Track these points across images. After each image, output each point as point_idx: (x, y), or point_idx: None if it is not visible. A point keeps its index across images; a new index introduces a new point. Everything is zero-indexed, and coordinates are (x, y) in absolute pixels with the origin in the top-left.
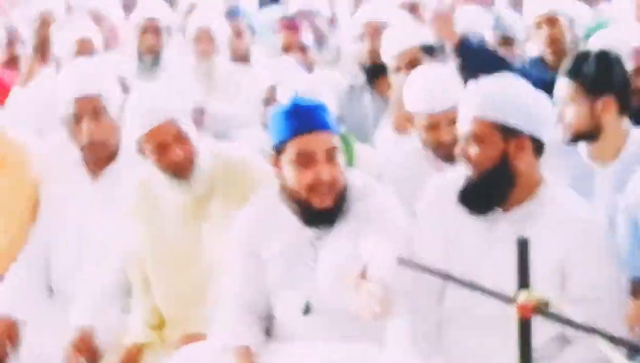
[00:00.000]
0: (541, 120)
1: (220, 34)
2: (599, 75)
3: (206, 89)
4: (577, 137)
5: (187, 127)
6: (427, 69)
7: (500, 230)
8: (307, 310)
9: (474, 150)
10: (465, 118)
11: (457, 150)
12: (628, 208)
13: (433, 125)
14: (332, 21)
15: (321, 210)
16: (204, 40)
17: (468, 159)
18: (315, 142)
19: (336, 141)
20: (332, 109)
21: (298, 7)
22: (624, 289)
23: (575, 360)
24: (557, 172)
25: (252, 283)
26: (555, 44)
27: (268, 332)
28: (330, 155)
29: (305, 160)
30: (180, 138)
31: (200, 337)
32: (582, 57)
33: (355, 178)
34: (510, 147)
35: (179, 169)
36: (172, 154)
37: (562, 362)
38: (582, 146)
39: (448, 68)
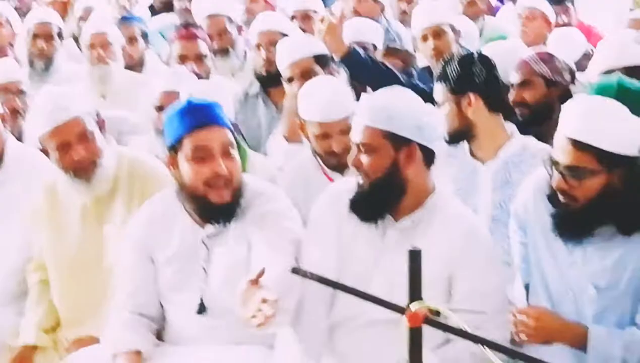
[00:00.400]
0: (430, 130)
1: (116, 40)
2: (460, 74)
3: (100, 95)
4: (453, 137)
5: (92, 126)
6: (321, 79)
7: (390, 238)
8: (201, 309)
9: (365, 159)
10: (358, 128)
11: (349, 159)
12: (517, 216)
13: (325, 134)
14: (240, 28)
15: (219, 205)
16: (99, 46)
17: (359, 167)
18: (210, 136)
19: (231, 137)
20: (228, 115)
21: (208, 12)
22: (507, 297)
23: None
24: (446, 170)
25: (145, 286)
26: (441, 55)
27: (160, 335)
28: (226, 150)
29: (201, 155)
30: (85, 137)
31: (93, 340)
32: (448, 61)
33: (252, 180)
34: (400, 156)
35: (81, 168)
36: (73, 153)
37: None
38: (465, 144)
39: (340, 79)
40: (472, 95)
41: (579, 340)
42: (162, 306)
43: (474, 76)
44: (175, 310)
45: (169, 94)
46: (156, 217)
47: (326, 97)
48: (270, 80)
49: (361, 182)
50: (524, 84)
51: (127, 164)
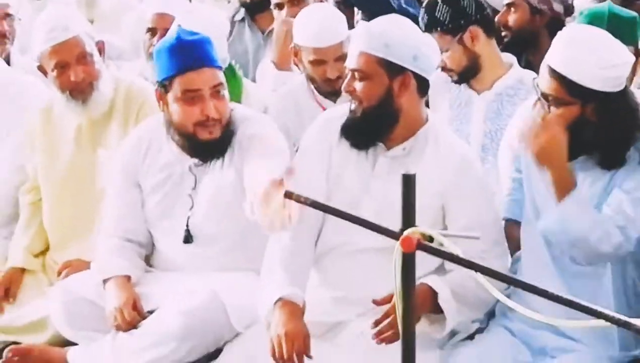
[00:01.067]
0: (426, 60)
1: None
2: (452, 13)
3: (88, 20)
4: (463, 75)
5: (91, 48)
6: (316, 6)
7: (381, 166)
8: (187, 238)
9: (359, 86)
10: (353, 54)
11: (344, 85)
12: (513, 146)
13: (320, 61)
14: None
15: (208, 141)
16: None
17: (353, 93)
18: (201, 79)
19: (221, 76)
20: (220, 43)
21: None
22: (500, 223)
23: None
24: (441, 99)
25: (132, 212)
26: None
27: (149, 261)
28: (216, 91)
29: (191, 96)
30: (83, 58)
31: (83, 264)
32: (432, 6)
33: (240, 109)
34: (394, 84)
35: (78, 89)
36: (71, 73)
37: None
38: None
39: (330, 5)
40: (472, 29)
41: (564, 188)
42: (150, 233)
43: (466, 10)
44: (163, 237)
45: (161, 16)
46: (144, 143)
47: (321, 22)
48: (255, 7)
49: (354, 108)
50: (510, 5)
51: (124, 89)
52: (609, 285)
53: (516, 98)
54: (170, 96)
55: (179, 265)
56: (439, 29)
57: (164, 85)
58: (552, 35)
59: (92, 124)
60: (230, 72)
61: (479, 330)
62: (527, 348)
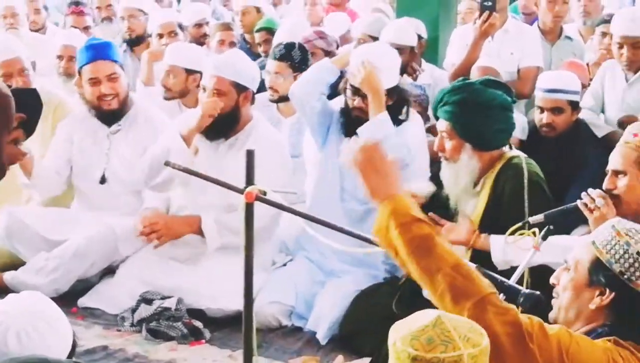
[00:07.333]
0: (257, 80)
1: (22, 11)
2: (302, 58)
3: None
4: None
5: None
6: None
7: (222, 150)
8: (102, 180)
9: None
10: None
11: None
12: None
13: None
14: None
15: (109, 110)
16: (9, 16)
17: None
18: (99, 68)
19: (115, 67)
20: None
21: None
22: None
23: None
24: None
25: (63, 158)
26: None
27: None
28: (111, 77)
29: (94, 80)
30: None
31: None
32: (291, 47)
33: (139, 99)
34: (240, 98)
35: None
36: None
37: None
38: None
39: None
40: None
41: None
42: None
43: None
44: (83, 181)
45: (66, 47)
46: (77, 118)
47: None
48: (134, 41)
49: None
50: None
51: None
52: None
53: None
54: (83, 80)
55: (95, 203)
56: (289, 62)
57: (80, 72)
58: None
59: None
60: None
61: (290, 260)
62: (320, 270)
